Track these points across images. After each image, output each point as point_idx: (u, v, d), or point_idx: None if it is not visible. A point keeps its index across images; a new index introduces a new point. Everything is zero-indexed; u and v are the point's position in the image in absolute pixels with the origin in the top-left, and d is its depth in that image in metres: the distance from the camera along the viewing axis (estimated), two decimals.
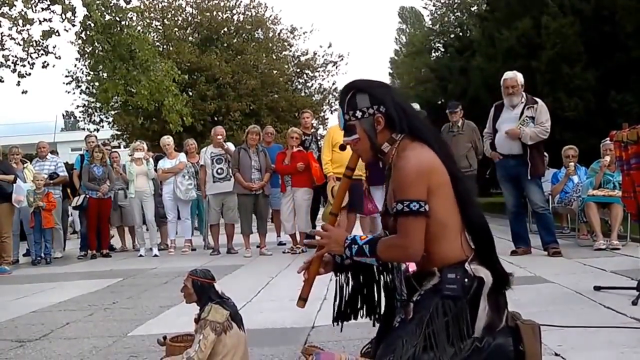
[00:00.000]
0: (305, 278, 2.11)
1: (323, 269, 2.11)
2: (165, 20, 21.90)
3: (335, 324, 2.18)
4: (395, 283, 2.00)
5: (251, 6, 22.96)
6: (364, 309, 2.16)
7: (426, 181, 1.81)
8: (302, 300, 2.12)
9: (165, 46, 21.20)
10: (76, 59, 20.09)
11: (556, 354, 2.43)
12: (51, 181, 7.77)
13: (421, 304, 1.82)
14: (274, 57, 23.01)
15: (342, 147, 2.07)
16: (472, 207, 1.91)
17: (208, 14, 22.12)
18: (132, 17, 12.38)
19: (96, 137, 9.22)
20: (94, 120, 21.78)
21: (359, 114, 1.93)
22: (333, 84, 23.92)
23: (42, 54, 11.57)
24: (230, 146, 7.73)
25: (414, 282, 1.93)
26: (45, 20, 11.35)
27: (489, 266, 1.86)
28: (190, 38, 22.29)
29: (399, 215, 1.82)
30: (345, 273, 2.13)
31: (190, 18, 22.65)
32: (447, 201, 1.85)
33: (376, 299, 2.14)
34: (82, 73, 20.92)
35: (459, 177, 1.89)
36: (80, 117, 23.36)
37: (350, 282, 2.13)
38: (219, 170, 7.32)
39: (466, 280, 1.80)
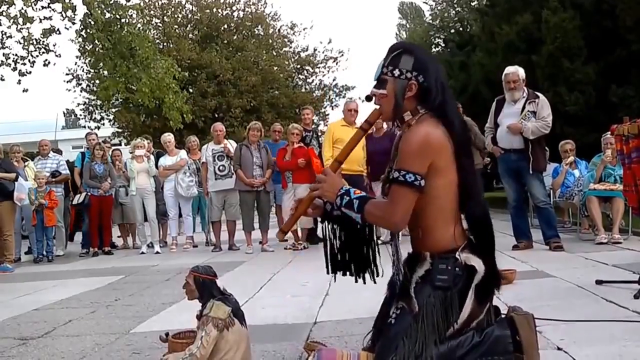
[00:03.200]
0: (292, 213, 2.11)
1: (312, 210, 2.09)
2: (165, 17, 21.89)
3: (330, 274, 2.15)
4: (395, 260, 1.99)
5: (251, 3, 22.94)
6: (353, 265, 2.11)
7: (430, 157, 1.80)
8: (282, 232, 2.16)
9: (165, 43, 21.19)
10: (77, 57, 20.09)
11: (558, 348, 2.43)
12: (53, 179, 7.78)
13: (417, 295, 1.83)
14: (274, 54, 22.99)
15: (369, 98, 2.07)
16: (476, 203, 1.90)
17: (208, 11, 22.10)
18: (132, 15, 12.37)
19: (97, 134, 9.22)
20: (95, 118, 21.80)
21: (396, 72, 1.91)
22: (333, 79, 23.95)
23: (43, 52, 11.57)
24: (232, 143, 7.73)
25: (406, 268, 1.94)
26: (45, 18, 11.36)
27: (483, 260, 1.85)
28: (190, 35, 22.27)
29: (393, 183, 1.83)
30: (332, 223, 2.10)
31: (190, 15, 22.63)
32: (449, 186, 1.84)
33: (369, 257, 2.10)
34: (83, 71, 20.94)
35: (467, 169, 1.88)
36: (81, 115, 23.41)
37: (338, 235, 2.09)
38: (221, 167, 7.33)
39: (457, 269, 1.81)
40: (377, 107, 2.00)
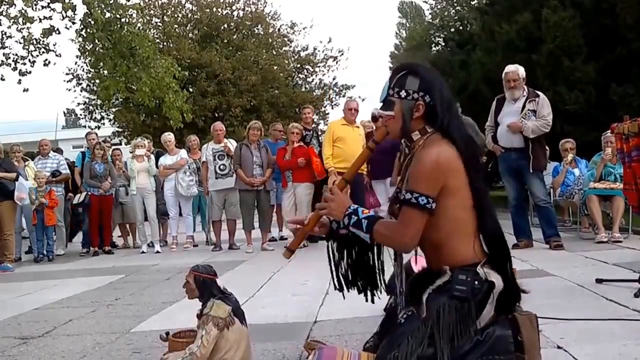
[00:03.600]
0: (299, 230, 2.12)
1: (318, 228, 2.10)
2: (165, 17, 21.89)
3: (338, 291, 2.15)
4: (396, 280, 2.00)
5: (250, 2, 22.95)
6: (359, 283, 2.12)
7: (442, 180, 1.81)
8: (289, 251, 2.13)
9: (165, 43, 21.19)
10: (77, 57, 20.10)
11: (558, 347, 2.43)
12: (54, 179, 7.78)
13: (430, 302, 1.83)
14: (274, 53, 22.99)
15: (374, 119, 2.08)
16: (489, 218, 1.90)
17: (208, 10, 22.10)
18: (132, 15, 12.37)
19: (97, 134, 9.22)
20: (95, 117, 21.80)
21: (403, 93, 1.92)
22: (333, 79, 23.93)
23: (43, 52, 11.57)
24: (233, 143, 7.73)
25: (420, 283, 1.93)
26: (45, 18, 11.35)
27: (501, 275, 1.86)
28: (190, 35, 22.28)
29: (405, 204, 1.83)
30: (338, 242, 2.10)
31: (189, 15, 22.63)
32: (463, 204, 1.85)
33: (377, 275, 2.11)
34: (83, 71, 20.95)
35: (479, 187, 1.88)
36: (81, 115, 23.42)
37: (344, 253, 2.10)
38: (221, 167, 7.33)
39: (476, 282, 1.81)
40: (384, 127, 2.01)
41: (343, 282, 2.12)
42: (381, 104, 1.99)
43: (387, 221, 1.94)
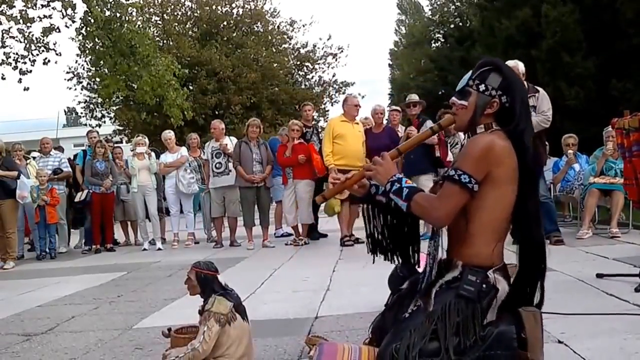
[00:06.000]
0: (340, 181, 2.13)
1: (357, 187, 2.12)
2: (164, 15, 21.86)
3: (371, 254, 2.18)
4: (427, 267, 2.01)
5: None
6: (392, 246, 2.14)
7: (489, 165, 1.82)
8: (323, 197, 2.16)
9: (165, 41, 21.18)
10: (77, 55, 20.10)
11: (559, 342, 2.43)
12: (55, 176, 7.80)
13: (437, 297, 1.85)
14: (274, 50, 22.97)
15: (449, 106, 2.11)
16: (535, 231, 1.92)
17: (207, 8, 22.08)
18: (131, 13, 12.37)
19: (98, 132, 9.22)
20: (96, 115, 21.81)
21: (482, 87, 1.94)
22: (333, 76, 23.93)
23: (43, 51, 11.57)
24: (232, 140, 7.73)
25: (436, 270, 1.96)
26: (45, 17, 11.36)
27: (527, 287, 1.90)
28: (190, 32, 22.26)
29: (447, 179, 1.85)
30: (372, 206, 2.13)
31: (189, 12, 22.61)
32: (501, 201, 1.86)
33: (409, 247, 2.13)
34: (83, 69, 20.96)
35: (530, 197, 1.90)
36: (82, 113, 23.41)
37: (380, 219, 2.12)
38: (218, 165, 7.33)
39: (484, 286, 1.82)
40: (454, 115, 2.03)
41: (377, 247, 2.14)
42: (457, 92, 2.00)
43: (426, 194, 1.95)
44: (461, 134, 6.23)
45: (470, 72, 2.00)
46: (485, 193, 1.84)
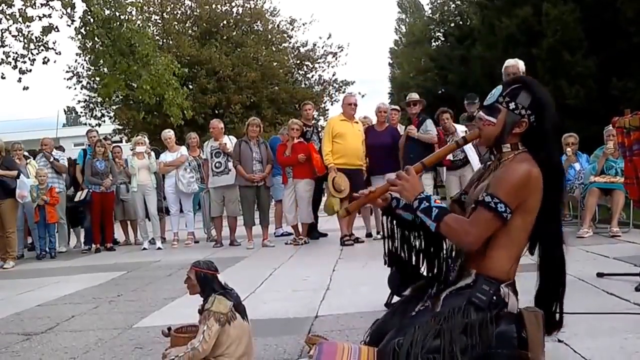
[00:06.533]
0: (364, 194, 2.11)
1: (381, 200, 2.12)
2: (164, 14, 21.85)
3: (386, 265, 2.19)
4: (448, 268, 2.02)
5: None
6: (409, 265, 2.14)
7: (525, 196, 1.83)
8: (347, 211, 2.14)
9: (165, 40, 21.16)
10: (77, 55, 20.11)
11: (559, 340, 2.43)
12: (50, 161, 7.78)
13: (446, 300, 1.85)
14: (274, 49, 22.96)
15: (471, 118, 2.12)
16: (558, 247, 1.94)
17: (207, 7, 22.06)
18: (131, 12, 12.35)
19: (97, 132, 9.22)
20: (96, 115, 21.81)
21: (512, 105, 1.91)
22: (333, 75, 23.91)
23: (43, 50, 11.56)
24: (232, 139, 7.73)
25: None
26: (44, 16, 11.34)
27: (551, 303, 1.94)
28: (189, 31, 22.25)
29: (482, 205, 1.83)
30: (391, 218, 2.13)
31: (189, 11, 22.60)
32: (526, 226, 1.87)
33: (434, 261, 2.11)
34: (83, 68, 20.96)
35: (552, 217, 1.91)
36: (81, 113, 23.42)
37: (397, 232, 2.12)
38: (217, 164, 7.32)
39: (495, 298, 1.83)
40: (479, 130, 2.01)
41: (391, 258, 2.15)
42: (485, 107, 1.98)
43: (458, 216, 1.94)
44: (460, 133, 6.22)
45: (500, 87, 1.97)
46: (516, 219, 1.84)
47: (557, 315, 2.00)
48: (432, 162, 2.19)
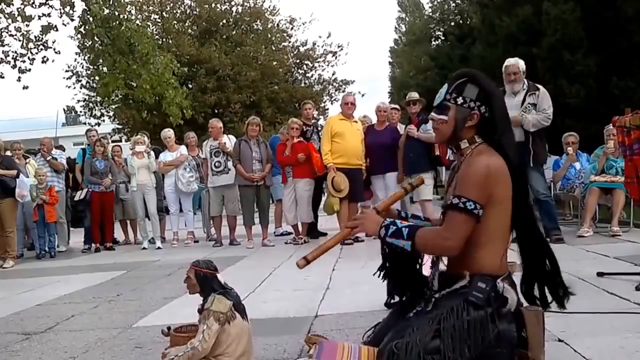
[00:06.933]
0: (321, 245, 2.11)
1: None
2: (164, 13, 21.83)
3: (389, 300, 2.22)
4: (429, 277, 2.01)
5: None
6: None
7: (490, 188, 1.82)
8: (305, 260, 2.08)
9: (164, 39, 21.14)
10: (76, 54, 20.09)
11: (559, 340, 2.43)
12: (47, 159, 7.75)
13: (442, 301, 1.84)
14: (273, 48, 22.95)
15: (425, 121, 2.13)
16: (533, 229, 1.94)
17: (206, 6, 22.04)
18: (130, 11, 12.34)
19: (97, 131, 9.21)
20: (95, 114, 21.79)
21: (460, 100, 1.93)
22: (333, 74, 23.90)
23: (42, 49, 11.54)
24: (231, 139, 7.72)
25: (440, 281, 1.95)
26: (44, 15, 11.32)
27: (528, 288, 1.92)
28: (189, 30, 22.23)
29: (452, 209, 1.83)
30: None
31: (188, 10, 22.58)
32: (503, 216, 1.87)
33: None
34: (82, 67, 20.94)
35: (523, 199, 1.91)
36: (81, 112, 23.38)
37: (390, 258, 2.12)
38: (217, 164, 7.31)
39: (493, 294, 1.82)
40: (434, 130, 2.04)
41: (385, 279, 2.16)
42: (435, 107, 1.99)
43: (430, 228, 1.94)
44: None
45: (446, 85, 1.99)
46: (490, 212, 1.84)
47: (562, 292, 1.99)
48: (385, 207, 2.17)
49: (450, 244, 1.83)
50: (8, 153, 7.36)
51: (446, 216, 1.86)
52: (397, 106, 8.24)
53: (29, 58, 11.50)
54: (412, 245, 1.88)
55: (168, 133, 8.14)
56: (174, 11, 22.33)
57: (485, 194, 1.81)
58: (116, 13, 11.13)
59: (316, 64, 23.74)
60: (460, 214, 1.80)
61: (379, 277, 2.17)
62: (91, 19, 10.87)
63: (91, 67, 16.92)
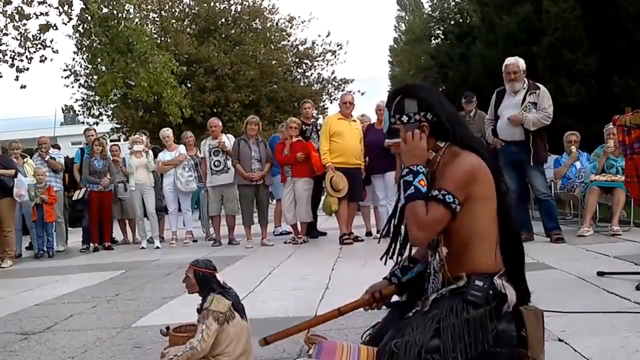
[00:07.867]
0: (286, 329, 2.16)
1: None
2: (162, 12, 21.79)
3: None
4: (432, 273, 1.99)
5: None
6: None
7: (469, 186, 1.82)
8: (265, 340, 2.14)
9: (163, 38, 21.10)
10: (74, 53, 20.05)
11: (560, 340, 2.42)
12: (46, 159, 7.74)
13: (441, 301, 1.83)
14: (273, 47, 22.90)
15: (386, 150, 2.12)
16: (509, 220, 1.95)
17: (205, 4, 22.00)
18: (129, 10, 12.30)
19: (95, 130, 9.19)
20: (94, 113, 21.73)
21: (404, 118, 1.92)
22: (332, 73, 23.85)
23: (40, 48, 11.51)
24: (230, 138, 7.70)
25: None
26: (42, 14, 11.29)
27: (515, 282, 1.90)
28: (187, 29, 22.19)
29: (432, 200, 1.82)
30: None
31: (187, 9, 22.54)
32: (488, 212, 1.87)
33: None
34: (81, 67, 20.90)
35: (504, 191, 1.92)
36: (79, 111, 23.33)
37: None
38: (216, 163, 7.29)
39: (491, 292, 1.81)
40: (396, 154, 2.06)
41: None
42: (387, 134, 2.00)
43: (422, 203, 1.85)
44: None
45: (386, 109, 1.99)
46: (472, 210, 1.83)
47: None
48: (347, 311, 2.20)
49: (417, 229, 1.81)
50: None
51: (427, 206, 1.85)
52: None
53: (26, 57, 11.48)
54: (402, 206, 1.87)
55: (167, 132, 8.13)
56: (173, 10, 22.28)
57: (463, 192, 1.81)
58: (114, 12, 11.12)
59: (315, 63, 23.69)
60: (438, 205, 1.80)
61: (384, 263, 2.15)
62: (89, 17, 10.84)
63: (89, 66, 16.94)
